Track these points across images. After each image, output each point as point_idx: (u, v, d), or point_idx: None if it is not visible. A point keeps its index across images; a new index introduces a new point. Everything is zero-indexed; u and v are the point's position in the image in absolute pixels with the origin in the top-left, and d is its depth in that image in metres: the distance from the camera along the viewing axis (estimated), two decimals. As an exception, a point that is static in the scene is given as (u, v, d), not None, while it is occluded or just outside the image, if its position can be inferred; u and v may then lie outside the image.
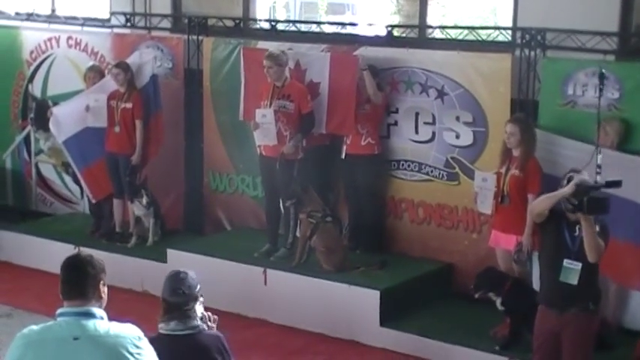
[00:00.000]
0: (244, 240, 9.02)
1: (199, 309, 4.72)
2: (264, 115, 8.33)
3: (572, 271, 5.67)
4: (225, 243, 9.08)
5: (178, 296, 4.63)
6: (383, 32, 9.12)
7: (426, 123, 8.41)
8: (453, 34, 8.85)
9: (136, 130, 9.18)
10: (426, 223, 8.58)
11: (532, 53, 7.87)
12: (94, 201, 9.74)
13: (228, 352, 4.71)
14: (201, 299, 4.74)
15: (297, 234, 8.46)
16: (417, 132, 8.49)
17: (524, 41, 7.90)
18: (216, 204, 9.81)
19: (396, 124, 8.61)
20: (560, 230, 5.73)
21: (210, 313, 4.83)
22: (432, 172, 8.47)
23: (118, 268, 8.78)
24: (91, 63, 9.96)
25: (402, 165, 8.63)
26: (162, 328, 4.63)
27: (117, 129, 9.22)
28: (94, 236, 9.56)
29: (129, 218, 9.48)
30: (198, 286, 4.72)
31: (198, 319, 4.68)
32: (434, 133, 8.40)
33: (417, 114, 8.45)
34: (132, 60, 9.41)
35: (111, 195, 9.58)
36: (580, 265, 5.67)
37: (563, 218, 5.74)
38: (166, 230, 9.49)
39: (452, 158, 8.33)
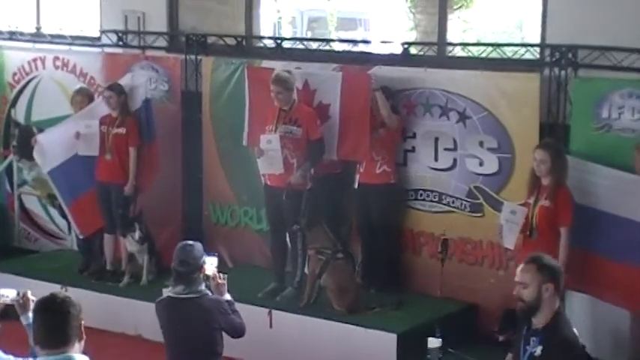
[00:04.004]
0: (247, 278, 8.95)
1: (211, 269, 6.03)
2: (270, 141, 8.33)
3: None
4: (227, 282, 8.99)
5: (185, 266, 5.93)
6: (399, 50, 9.21)
7: (446, 149, 8.47)
8: (476, 51, 8.89)
9: (130, 158, 9.17)
10: (447, 259, 8.52)
11: (562, 72, 7.93)
12: (82, 236, 9.73)
13: (229, 313, 5.98)
14: (214, 260, 6.07)
15: (306, 271, 8.44)
16: (436, 159, 8.54)
17: (553, 59, 7.96)
18: (217, 238, 9.76)
19: (413, 150, 8.66)
20: (520, 336, 5.31)
21: (221, 274, 6.10)
22: (453, 202, 8.50)
23: (110, 310, 8.89)
24: (78, 85, 10.00)
25: (421, 195, 8.66)
26: (170, 291, 5.94)
27: (108, 157, 9.22)
28: (83, 275, 9.50)
29: (121, 255, 9.43)
30: (204, 257, 6.02)
31: (202, 285, 5.96)
32: (455, 160, 8.44)
33: (436, 139, 8.50)
34: (123, 82, 9.42)
35: (101, 229, 9.56)
36: None
37: (527, 323, 5.28)
38: (162, 268, 9.34)
39: (475, 188, 8.37)
